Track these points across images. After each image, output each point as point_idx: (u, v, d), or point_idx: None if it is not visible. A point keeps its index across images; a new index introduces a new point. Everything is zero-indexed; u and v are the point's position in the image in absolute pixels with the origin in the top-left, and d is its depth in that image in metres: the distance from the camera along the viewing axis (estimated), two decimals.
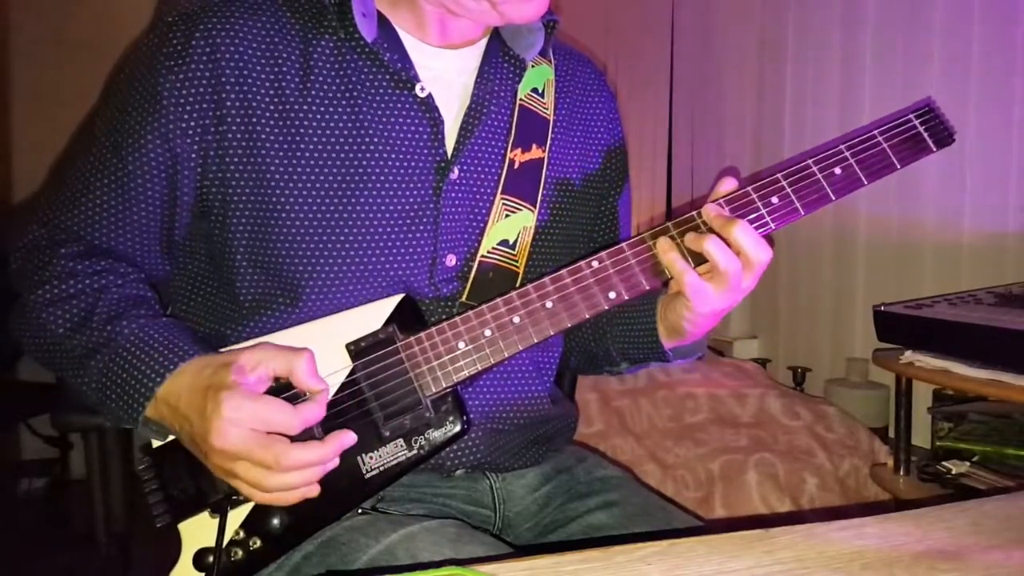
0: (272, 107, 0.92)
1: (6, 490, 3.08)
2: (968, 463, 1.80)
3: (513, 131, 1.03)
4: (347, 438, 0.84)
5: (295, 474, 0.81)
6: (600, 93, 1.17)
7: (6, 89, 3.20)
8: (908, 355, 1.78)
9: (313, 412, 0.83)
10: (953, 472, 1.79)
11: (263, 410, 0.80)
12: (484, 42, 1.03)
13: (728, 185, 0.93)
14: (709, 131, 3.41)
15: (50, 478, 3.10)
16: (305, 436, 0.83)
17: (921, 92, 2.39)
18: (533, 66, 1.06)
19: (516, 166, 1.03)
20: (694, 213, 0.92)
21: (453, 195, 0.98)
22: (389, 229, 0.94)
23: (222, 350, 0.89)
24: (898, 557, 0.70)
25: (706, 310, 0.92)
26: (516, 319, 0.90)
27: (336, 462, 0.84)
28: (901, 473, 1.94)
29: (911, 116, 0.95)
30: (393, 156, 0.95)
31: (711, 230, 0.90)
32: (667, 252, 0.90)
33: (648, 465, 2.07)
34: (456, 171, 0.98)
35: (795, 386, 2.76)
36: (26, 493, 3.08)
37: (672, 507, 1.07)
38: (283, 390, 0.85)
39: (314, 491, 0.83)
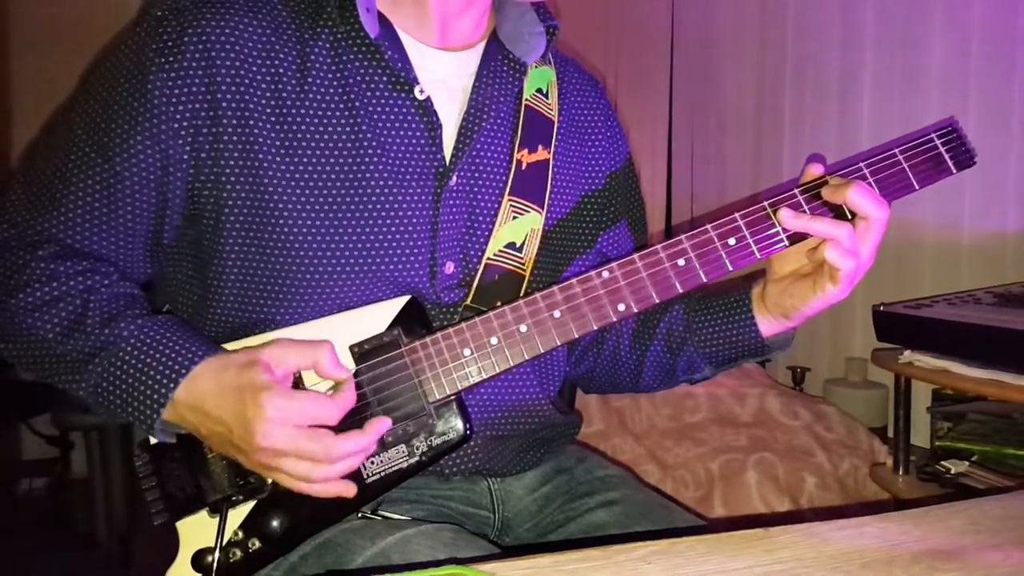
0: (269, 107, 0.89)
1: (6, 490, 3.07)
2: (967, 463, 1.80)
3: (519, 132, 1.02)
4: (383, 425, 0.84)
5: (341, 464, 0.82)
6: (599, 101, 1.16)
7: (6, 89, 3.19)
8: (907, 355, 1.79)
9: (348, 399, 0.83)
10: (952, 472, 1.80)
11: (305, 406, 0.80)
12: (482, 45, 1.01)
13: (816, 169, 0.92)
14: (709, 133, 3.42)
15: (51, 478, 3.10)
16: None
17: (921, 90, 2.39)
18: (535, 67, 1.05)
19: (524, 167, 1.01)
20: (764, 204, 0.91)
21: (452, 202, 0.96)
22: (387, 236, 0.92)
23: (230, 347, 0.88)
24: (897, 556, 0.70)
25: (852, 264, 0.88)
26: (523, 328, 0.88)
27: (372, 448, 0.85)
28: (900, 473, 1.94)
29: (933, 136, 0.93)
30: (390, 161, 0.93)
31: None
32: (800, 219, 0.88)
33: (648, 465, 2.07)
34: (455, 177, 0.96)
35: (794, 386, 2.76)
36: (26, 493, 3.07)
37: (673, 506, 1.06)
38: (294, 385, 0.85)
39: (351, 490, 0.85)
